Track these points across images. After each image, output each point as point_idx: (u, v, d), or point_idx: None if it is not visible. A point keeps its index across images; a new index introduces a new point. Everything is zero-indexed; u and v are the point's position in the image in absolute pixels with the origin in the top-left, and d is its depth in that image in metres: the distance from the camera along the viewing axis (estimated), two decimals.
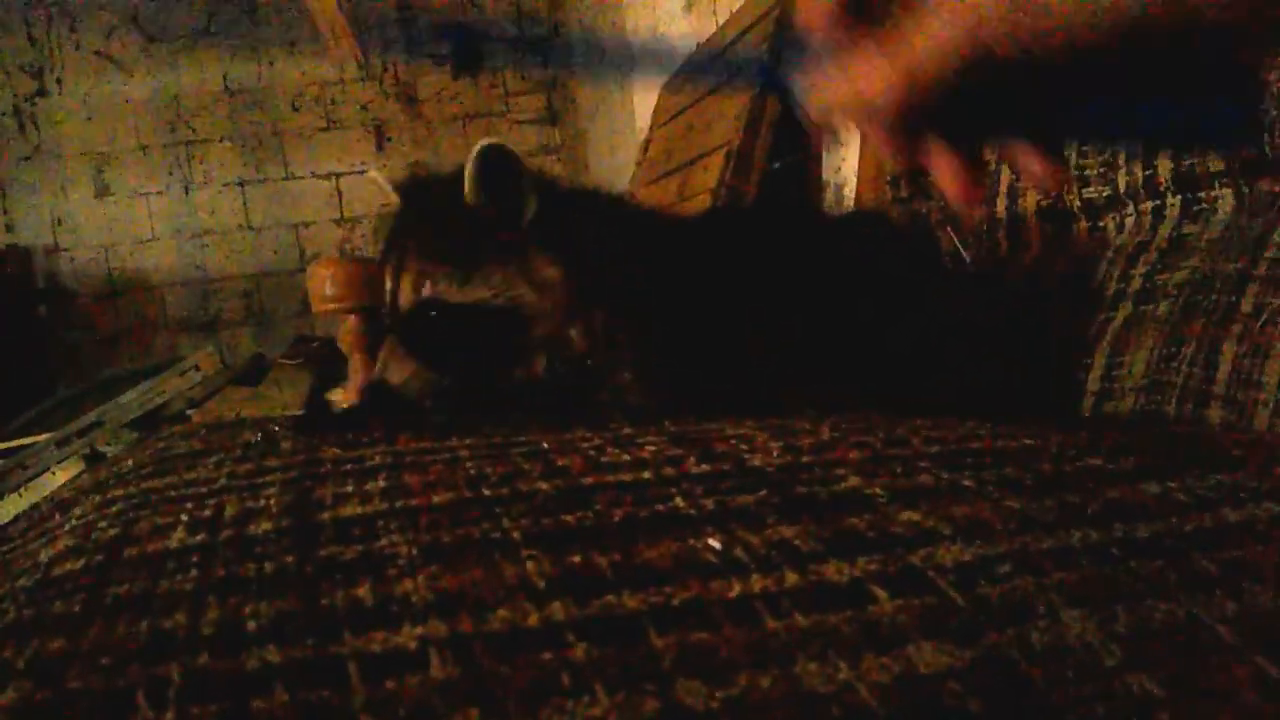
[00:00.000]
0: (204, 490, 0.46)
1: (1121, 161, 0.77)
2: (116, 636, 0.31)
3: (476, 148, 0.73)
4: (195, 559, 0.37)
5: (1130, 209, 0.78)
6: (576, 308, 0.75)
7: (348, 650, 0.29)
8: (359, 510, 0.40)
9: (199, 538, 0.39)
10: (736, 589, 0.32)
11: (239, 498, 0.44)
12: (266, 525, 0.40)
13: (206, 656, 0.29)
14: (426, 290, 0.76)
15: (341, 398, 1.00)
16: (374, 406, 0.74)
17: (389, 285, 0.78)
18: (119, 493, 0.49)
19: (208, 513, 0.42)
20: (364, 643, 0.29)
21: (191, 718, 0.27)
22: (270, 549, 0.37)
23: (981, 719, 0.26)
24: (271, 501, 0.43)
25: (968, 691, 0.26)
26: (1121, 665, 0.27)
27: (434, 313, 0.76)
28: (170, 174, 4.37)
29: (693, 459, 0.46)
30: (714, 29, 2.22)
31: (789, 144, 1.84)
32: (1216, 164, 0.68)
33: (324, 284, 0.95)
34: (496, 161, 0.73)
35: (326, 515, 0.40)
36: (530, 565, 0.34)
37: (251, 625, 0.31)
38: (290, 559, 0.36)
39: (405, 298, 0.77)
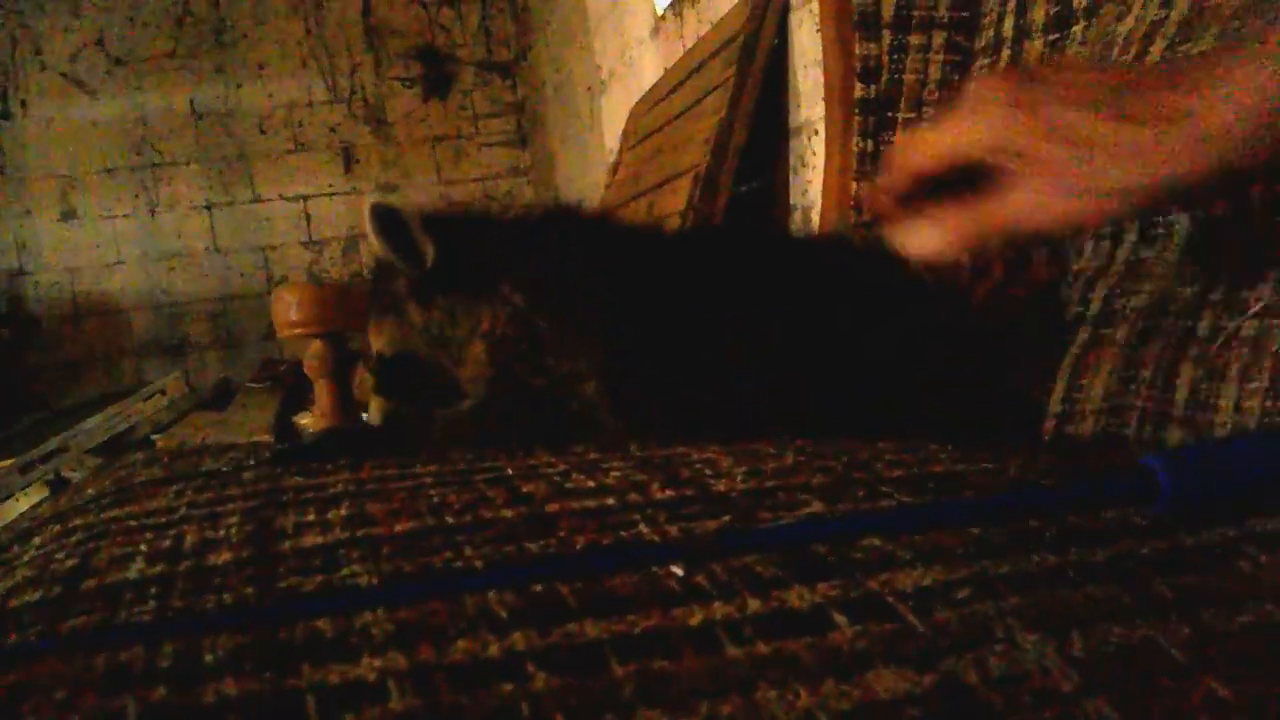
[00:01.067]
0: (164, 520, 0.46)
1: None
2: (73, 669, 0.30)
3: (365, 207, 0.76)
4: (154, 590, 0.37)
5: (1089, 234, 0.79)
6: (506, 340, 0.76)
7: (305, 683, 0.29)
8: (320, 540, 0.40)
9: (158, 569, 0.39)
10: (698, 616, 0.32)
11: (199, 527, 0.44)
12: (226, 555, 0.39)
13: (163, 689, 0.29)
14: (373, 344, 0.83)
15: (309, 422, 1.00)
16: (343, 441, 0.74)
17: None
18: (79, 522, 0.49)
19: (167, 543, 0.42)
20: (322, 674, 0.29)
21: None
22: (230, 580, 0.37)
23: None
24: (232, 531, 0.42)
25: (927, 717, 0.26)
26: (1078, 689, 0.27)
27: (382, 362, 0.83)
28: (136, 197, 4.34)
29: (656, 484, 0.46)
30: (681, 53, 2.24)
31: (756, 168, 1.86)
32: None
33: (289, 308, 0.94)
34: (385, 216, 0.76)
35: (287, 545, 0.40)
36: (492, 594, 0.33)
37: (209, 658, 0.31)
38: (250, 590, 0.35)
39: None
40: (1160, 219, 0.71)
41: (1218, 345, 0.62)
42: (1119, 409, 0.69)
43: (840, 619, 0.31)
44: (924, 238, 0.54)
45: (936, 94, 1.05)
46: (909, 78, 1.05)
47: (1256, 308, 0.60)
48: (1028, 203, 0.49)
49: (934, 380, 0.76)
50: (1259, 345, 0.59)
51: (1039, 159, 0.48)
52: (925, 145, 0.54)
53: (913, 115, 1.06)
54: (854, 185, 1.10)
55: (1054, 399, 0.76)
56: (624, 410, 0.72)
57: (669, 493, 0.45)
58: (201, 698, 0.29)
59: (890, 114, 1.07)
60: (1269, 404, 0.57)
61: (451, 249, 0.78)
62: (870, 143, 1.08)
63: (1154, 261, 0.72)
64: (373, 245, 0.77)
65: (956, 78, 1.04)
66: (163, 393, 2.39)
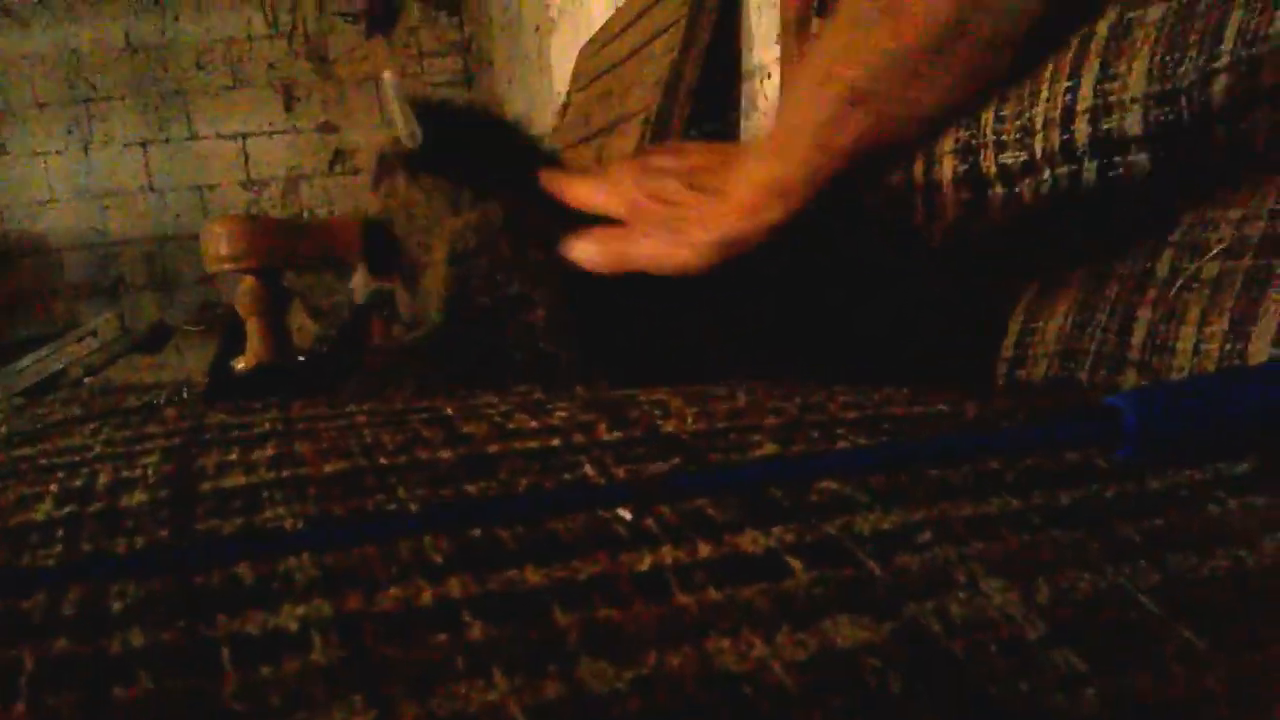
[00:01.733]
0: (77, 459, 0.43)
1: (1039, 126, 0.77)
2: None
3: (386, 76, 0.79)
4: (61, 533, 0.34)
5: (1047, 174, 0.78)
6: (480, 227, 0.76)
7: (221, 633, 0.27)
8: (243, 480, 0.38)
9: (67, 510, 0.36)
10: (647, 562, 0.30)
11: (114, 467, 0.41)
12: (141, 496, 0.37)
13: (64, 640, 0.27)
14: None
15: (244, 365, 0.97)
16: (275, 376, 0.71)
17: None
18: None
19: (79, 483, 0.39)
20: (239, 624, 0.27)
21: (45, 707, 0.24)
22: (143, 522, 0.34)
23: (901, 696, 0.24)
24: (149, 471, 0.40)
25: (887, 667, 0.25)
26: (1045, 638, 0.26)
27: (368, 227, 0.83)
28: (69, 133, 4.21)
29: (604, 425, 0.45)
30: None
31: (709, 112, 1.83)
32: (1134, 128, 0.68)
33: (219, 241, 0.90)
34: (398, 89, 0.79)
35: (207, 485, 0.37)
36: (426, 539, 0.31)
37: (116, 606, 0.28)
38: (164, 533, 0.33)
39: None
40: (1119, 159, 0.70)
41: (1177, 287, 0.61)
42: (1072, 352, 0.68)
43: (795, 564, 0.30)
44: (585, 252, 0.68)
45: None
46: None
47: (1217, 249, 0.59)
48: (652, 248, 0.65)
49: (888, 323, 0.75)
50: (1219, 287, 0.58)
51: (651, 219, 0.65)
52: (581, 194, 0.71)
53: None
54: None
55: (1006, 343, 0.75)
56: (568, 343, 0.70)
57: (616, 434, 0.43)
58: (106, 649, 0.26)
59: None
60: (1228, 346, 0.56)
61: (438, 141, 0.79)
62: None
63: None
64: (389, 112, 0.79)
65: None
66: (94, 334, 2.32)
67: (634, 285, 0.70)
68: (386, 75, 0.79)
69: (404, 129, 0.77)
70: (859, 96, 0.56)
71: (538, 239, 0.74)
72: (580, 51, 2.54)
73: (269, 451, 0.42)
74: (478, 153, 0.81)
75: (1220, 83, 0.63)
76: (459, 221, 0.76)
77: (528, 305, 0.72)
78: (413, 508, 0.35)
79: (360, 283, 0.87)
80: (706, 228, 0.62)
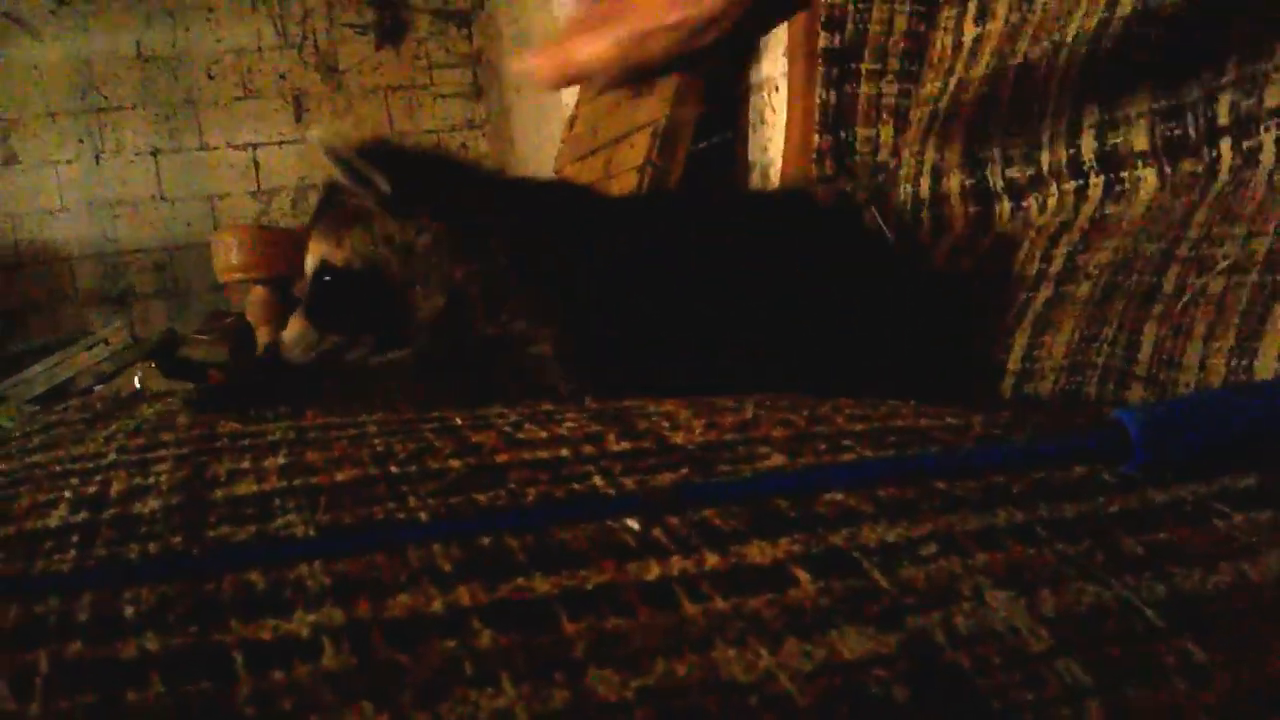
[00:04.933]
0: (91, 465, 0.43)
1: (1045, 141, 0.77)
2: None
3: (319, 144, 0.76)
4: (75, 539, 0.35)
5: (1053, 189, 0.78)
6: (462, 276, 0.74)
7: (233, 638, 0.27)
8: (255, 488, 0.38)
9: (81, 516, 0.37)
10: (654, 571, 0.30)
11: (128, 473, 0.41)
12: (155, 503, 0.37)
13: (79, 644, 0.27)
14: (312, 258, 0.78)
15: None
16: (263, 377, 0.71)
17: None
18: (1, 467, 0.46)
19: (93, 489, 0.40)
20: (252, 630, 0.27)
21: (59, 711, 0.25)
22: (157, 528, 0.35)
23: (906, 707, 0.24)
24: (162, 478, 0.40)
25: (892, 678, 0.25)
26: (1049, 650, 0.26)
27: (325, 278, 0.78)
28: (80, 142, 4.22)
29: (613, 436, 0.45)
30: None
31: (716, 123, 1.84)
32: (1140, 143, 0.68)
33: (230, 252, 0.91)
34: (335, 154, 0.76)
35: (219, 493, 0.38)
36: (436, 547, 0.32)
37: (130, 611, 0.29)
38: (177, 539, 0.33)
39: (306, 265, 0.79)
40: (1125, 174, 0.71)
41: (1183, 303, 0.61)
42: (1080, 366, 0.68)
43: (802, 575, 0.30)
44: (528, 66, 0.74)
45: (901, 44, 1.03)
46: (874, 28, 1.03)
47: (1224, 264, 0.59)
48: (592, 47, 0.72)
49: (894, 336, 0.75)
50: (1225, 303, 0.58)
51: (593, 22, 0.72)
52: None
53: (877, 66, 1.04)
54: (816, 138, 1.08)
55: (1013, 357, 0.75)
56: (576, 374, 0.70)
57: (625, 444, 0.43)
58: (120, 653, 0.27)
59: (854, 64, 1.05)
60: (1234, 362, 0.56)
61: (408, 183, 0.76)
62: (833, 94, 1.06)
63: (1119, 218, 0.71)
64: (339, 172, 0.76)
65: (922, 28, 1.03)
66: (105, 343, 2.33)
67: (644, 303, 0.70)
68: (314, 133, 0.76)
69: (371, 180, 0.75)
70: None
71: (542, 271, 0.74)
72: None
73: (280, 460, 0.42)
74: (451, 189, 0.79)
75: (1226, 99, 0.63)
76: (465, 267, 0.75)
77: (532, 340, 0.72)
78: (423, 516, 0.35)
79: (298, 337, 0.78)
80: (615, 23, 0.71)
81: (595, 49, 0.71)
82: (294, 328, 0.78)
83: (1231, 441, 0.38)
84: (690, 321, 0.72)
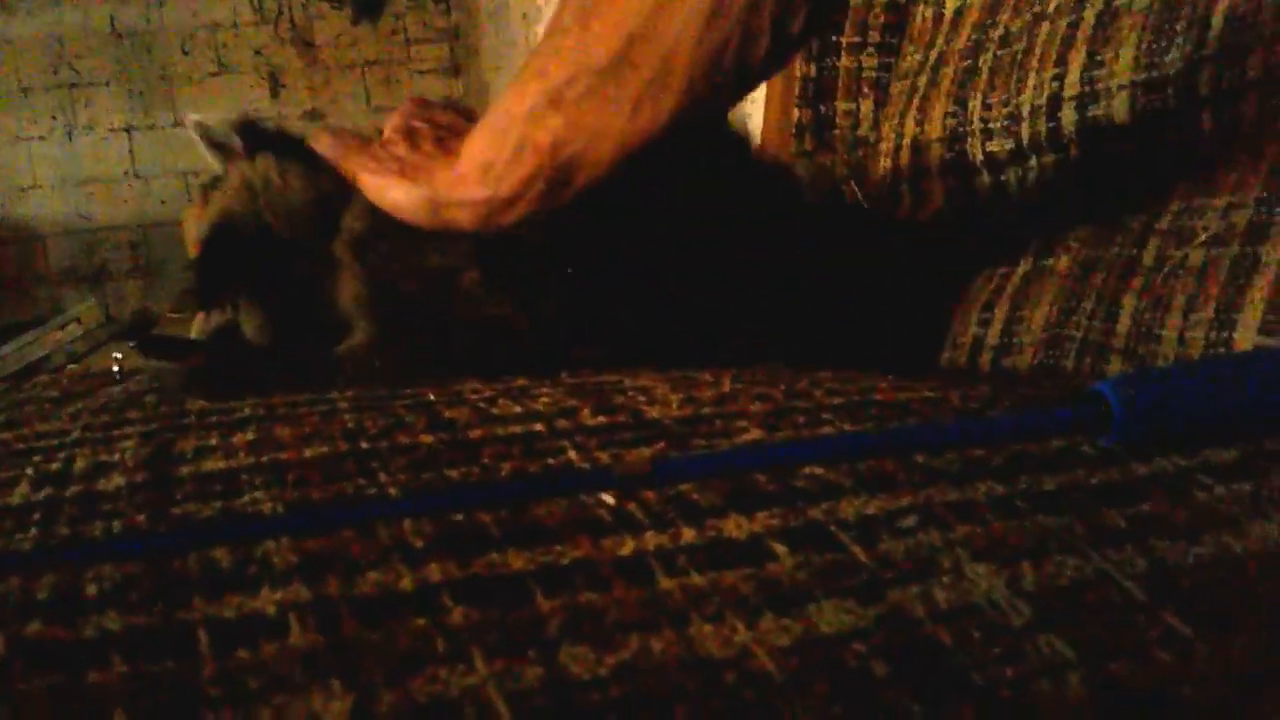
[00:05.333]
0: (55, 443, 0.42)
1: (1025, 114, 0.77)
2: None
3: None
4: (37, 517, 0.34)
5: (1033, 162, 0.77)
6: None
7: (198, 616, 0.26)
8: (222, 465, 0.37)
9: (43, 493, 0.36)
10: (630, 546, 0.30)
11: (92, 450, 0.40)
12: (119, 480, 0.36)
13: (38, 624, 0.26)
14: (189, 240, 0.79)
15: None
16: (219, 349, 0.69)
17: None
18: None
19: (56, 466, 0.39)
20: (216, 608, 0.26)
21: (19, 692, 0.24)
22: (121, 506, 0.34)
23: (885, 682, 0.24)
24: (127, 455, 0.39)
25: (871, 653, 0.25)
26: (1030, 624, 0.26)
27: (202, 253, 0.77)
28: (53, 118, 4.17)
29: (588, 410, 0.44)
30: None
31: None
32: (1121, 116, 0.68)
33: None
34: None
35: (185, 470, 0.37)
36: (407, 524, 0.31)
37: (92, 589, 0.28)
38: (142, 517, 0.33)
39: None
40: (1106, 146, 0.70)
41: (1163, 275, 0.61)
42: (1058, 340, 0.68)
43: (780, 549, 0.29)
44: (324, 144, 0.68)
45: (882, 16, 1.03)
46: (855, 0, 1.03)
47: (1204, 237, 0.59)
48: (376, 173, 0.65)
49: (873, 311, 0.74)
50: (1205, 275, 0.58)
51: (391, 154, 0.65)
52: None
53: (858, 39, 1.04)
54: (796, 112, 1.07)
55: (991, 331, 0.75)
56: (516, 302, 0.66)
57: (600, 419, 0.43)
58: (81, 632, 0.26)
59: (834, 37, 1.04)
60: (1213, 334, 0.56)
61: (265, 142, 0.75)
62: (813, 67, 1.05)
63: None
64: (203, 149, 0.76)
65: (903, 0, 1.02)
66: (78, 321, 2.31)
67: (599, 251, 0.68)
68: (190, 118, 0.76)
69: (228, 144, 0.74)
70: (555, 98, 0.57)
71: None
72: None
73: (249, 436, 0.41)
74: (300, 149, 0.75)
75: (1208, 70, 0.63)
76: (354, 207, 0.69)
77: (454, 272, 0.67)
78: (393, 492, 0.35)
79: (201, 320, 0.77)
80: (420, 181, 0.63)
81: (403, 199, 0.63)
82: (197, 320, 0.78)
83: (1211, 412, 0.37)
84: (664, 294, 0.71)
